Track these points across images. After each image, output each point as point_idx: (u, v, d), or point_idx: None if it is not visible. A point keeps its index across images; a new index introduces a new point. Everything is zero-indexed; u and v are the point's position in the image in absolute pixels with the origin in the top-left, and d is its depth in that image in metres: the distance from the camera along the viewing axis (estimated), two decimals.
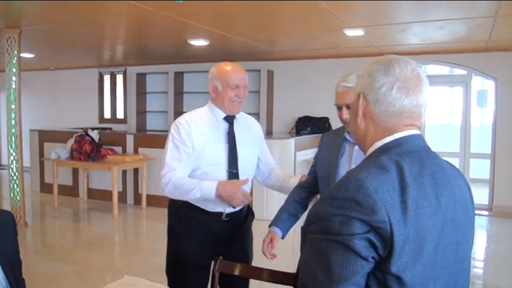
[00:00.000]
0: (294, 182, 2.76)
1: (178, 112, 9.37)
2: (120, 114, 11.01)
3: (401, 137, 1.26)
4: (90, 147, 7.74)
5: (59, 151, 7.96)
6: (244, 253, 2.78)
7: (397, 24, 5.88)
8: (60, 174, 8.28)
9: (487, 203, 7.71)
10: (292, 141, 7.36)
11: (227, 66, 2.63)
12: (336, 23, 5.67)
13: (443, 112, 11.52)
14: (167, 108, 9.96)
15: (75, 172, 8.90)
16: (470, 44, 7.10)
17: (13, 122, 6.50)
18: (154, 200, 7.78)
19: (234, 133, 2.66)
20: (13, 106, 6.48)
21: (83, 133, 7.98)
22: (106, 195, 8.08)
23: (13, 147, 6.53)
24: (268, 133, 9.07)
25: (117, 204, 7.39)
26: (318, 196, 2.56)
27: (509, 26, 5.71)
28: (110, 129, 10.43)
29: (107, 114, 11.19)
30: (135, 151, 8.32)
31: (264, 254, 2.51)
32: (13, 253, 2.19)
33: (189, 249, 2.61)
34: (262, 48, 7.79)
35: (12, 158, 6.55)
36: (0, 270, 2.09)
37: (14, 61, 6.44)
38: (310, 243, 1.18)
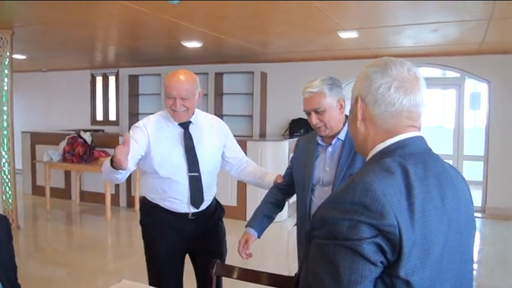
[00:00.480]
0: (270, 179, 2.85)
1: None
2: (112, 116, 10.94)
3: (403, 139, 1.26)
4: (83, 149, 7.68)
5: (51, 153, 7.90)
6: (216, 247, 2.89)
7: (391, 27, 5.89)
8: (53, 176, 8.21)
9: (480, 205, 7.75)
10: (285, 144, 7.37)
11: (170, 75, 2.69)
12: (330, 25, 5.67)
13: (436, 114, 11.57)
14: (160, 110, 9.79)
15: (67, 174, 8.83)
16: (464, 47, 7.12)
17: (5, 123, 6.43)
18: None
19: (190, 137, 2.73)
20: (5, 108, 6.42)
21: (76, 135, 7.92)
22: (99, 197, 8.03)
23: (5, 149, 6.46)
24: (262, 135, 9.07)
25: (109, 207, 7.34)
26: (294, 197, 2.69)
27: (503, 29, 5.74)
28: (102, 131, 10.37)
29: (99, 116, 11.13)
30: None
31: (239, 254, 2.62)
32: (8, 258, 2.15)
33: (161, 246, 2.76)
34: (256, 50, 7.77)
35: (4, 160, 6.48)
36: None
37: (6, 62, 6.38)
38: (317, 248, 1.16)
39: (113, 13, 5.28)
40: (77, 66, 10.65)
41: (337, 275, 1.08)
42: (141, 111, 10.46)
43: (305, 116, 2.50)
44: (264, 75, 9.10)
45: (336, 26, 5.72)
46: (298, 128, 8.45)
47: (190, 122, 2.76)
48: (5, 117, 6.42)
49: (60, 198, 8.71)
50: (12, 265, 2.19)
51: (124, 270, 5.12)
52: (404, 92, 1.25)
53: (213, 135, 2.88)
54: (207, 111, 3.05)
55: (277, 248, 5.62)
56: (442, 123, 11.63)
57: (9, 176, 6.51)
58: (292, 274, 2.21)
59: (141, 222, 2.92)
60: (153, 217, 2.81)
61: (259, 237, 2.67)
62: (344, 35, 6.20)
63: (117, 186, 8.29)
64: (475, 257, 5.73)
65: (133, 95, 10.35)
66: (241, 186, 7.16)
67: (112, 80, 10.87)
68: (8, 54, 6.36)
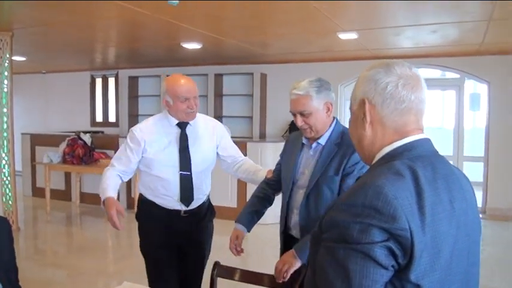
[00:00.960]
0: (262, 175, 2.91)
1: None
2: (112, 118, 10.93)
3: (410, 142, 1.25)
4: (83, 151, 7.68)
5: (51, 155, 7.89)
6: (199, 246, 3.02)
7: (391, 28, 5.90)
8: (53, 178, 8.20)
9: (480, 205, 7.73)
10: None
11: (175, 81, 2.82)
12: (330, 26, 5.67)
13: (435, 115, 11.56)
14: (159, 111, 9.79)
15: (67, 176, 8.83)
16: (463, 48, 7.13)
17: (5, 125, 6.43)
18: None
19: (186, 137, 2.85)
20: (5, 110, 6.42)
21: (76, 137, 7.92)
22: (99, 199, 7.89)
23: (5, 151, 6.46)
24: (262, 136, 9.06)
25: None
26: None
27: (502, 30, 5.74)
28: (102, 132, 10.35)
29: (99, 118, 11.11)
30: None
31: (231, 250, 2.62)
32: (9, 259, 2.15)
33: (154, 240, 2.92)
34: (256, 51, 7.77)
35: (4, 162, 6.48)
36: None
37: (6, 64, 6.38)
38: (326, 251, 1.14)
39: (113, 14, 5.28)
40: (76, 68, 10.64)
41: (347, 278, 1.07)
42: (140, 113, 10.43)
43: None
44: (263, 77, 9.09)
45: (335, 27, 5.72)
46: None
47: (188, 123, 2.88)
48: (5, 119, 6.42)
49: (60, 199, 8.70)
50: (13, 267, 2.19)
51: (124, 272, 5.11)
52: (411, 88, 1.25)
53: (208, 136, 3.00)
54: (207, 113, 3.09)
55: (277, 248, 5.59)
56: (442, 124, 11.60)
57: (9, 178, 6.51)
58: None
59: (137, 217, 3.06)
60: (148, 212, 2.95)
61: (248, 231, 2.68)
62: (343, 36, 6.20)
63: None
64: None
65: (133, 96, 10.33)
66: (241, 188, 7.15)
67: (112, 81, 10.85)
68: (7, 56, 6.36)
